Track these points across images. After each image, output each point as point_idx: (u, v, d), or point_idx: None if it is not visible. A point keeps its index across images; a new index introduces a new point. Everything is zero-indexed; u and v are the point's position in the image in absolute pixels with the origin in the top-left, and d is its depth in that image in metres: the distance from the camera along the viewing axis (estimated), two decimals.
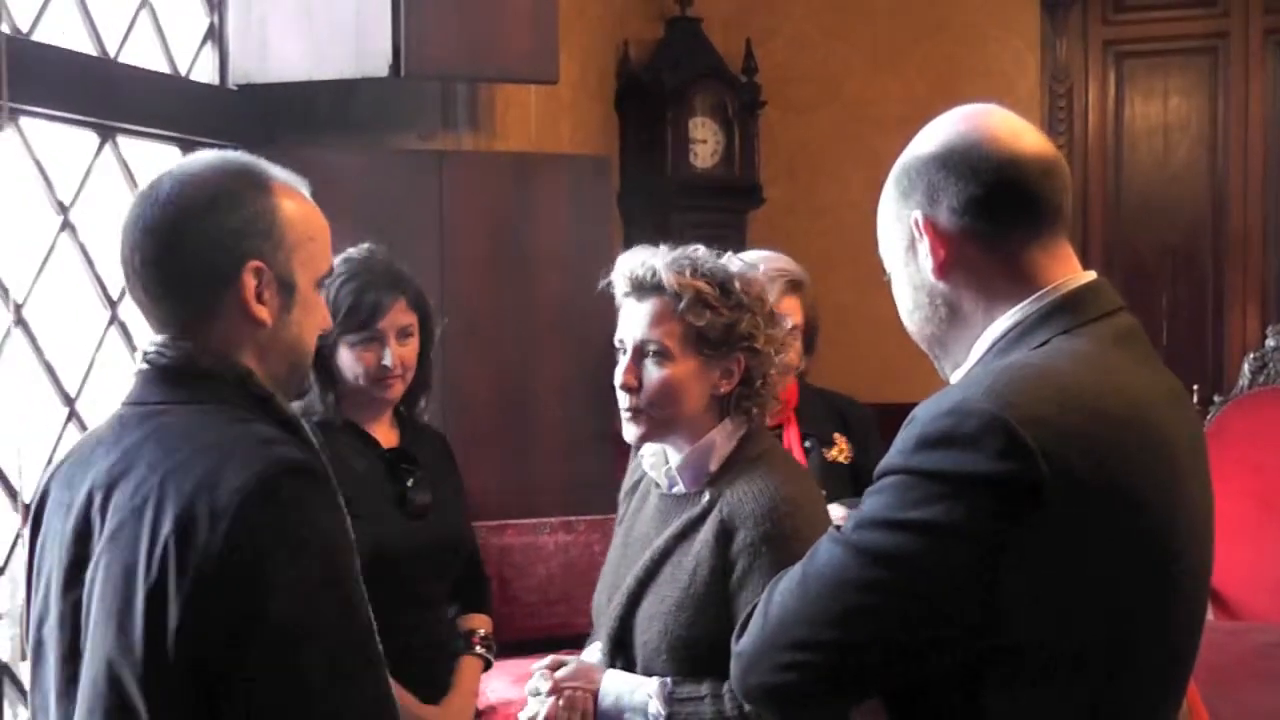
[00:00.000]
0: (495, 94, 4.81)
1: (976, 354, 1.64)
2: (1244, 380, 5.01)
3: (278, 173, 1.82)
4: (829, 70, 6.28)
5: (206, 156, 1.81)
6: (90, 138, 3.49)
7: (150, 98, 3.65)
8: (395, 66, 3.81)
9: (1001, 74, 5.92)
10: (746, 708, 2.09)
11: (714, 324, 2.23)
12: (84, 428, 3.30)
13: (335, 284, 2.73)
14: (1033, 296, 1.61)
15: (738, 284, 2.26)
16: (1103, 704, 1.52)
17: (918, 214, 1.63)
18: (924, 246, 1.64)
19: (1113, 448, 1.48)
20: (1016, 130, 1.65)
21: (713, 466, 2.28)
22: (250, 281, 1.72)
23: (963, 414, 1.47)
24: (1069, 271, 1.64)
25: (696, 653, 2.18)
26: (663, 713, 2.16)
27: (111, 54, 3.57)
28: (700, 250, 2.30)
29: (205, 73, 4.02)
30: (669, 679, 2.19)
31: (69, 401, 3.31)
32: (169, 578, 1.54)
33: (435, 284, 2.97)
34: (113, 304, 3.49)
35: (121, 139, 3.58)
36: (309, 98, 4.19)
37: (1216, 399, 5.00)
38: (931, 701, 1.56)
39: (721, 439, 2.28)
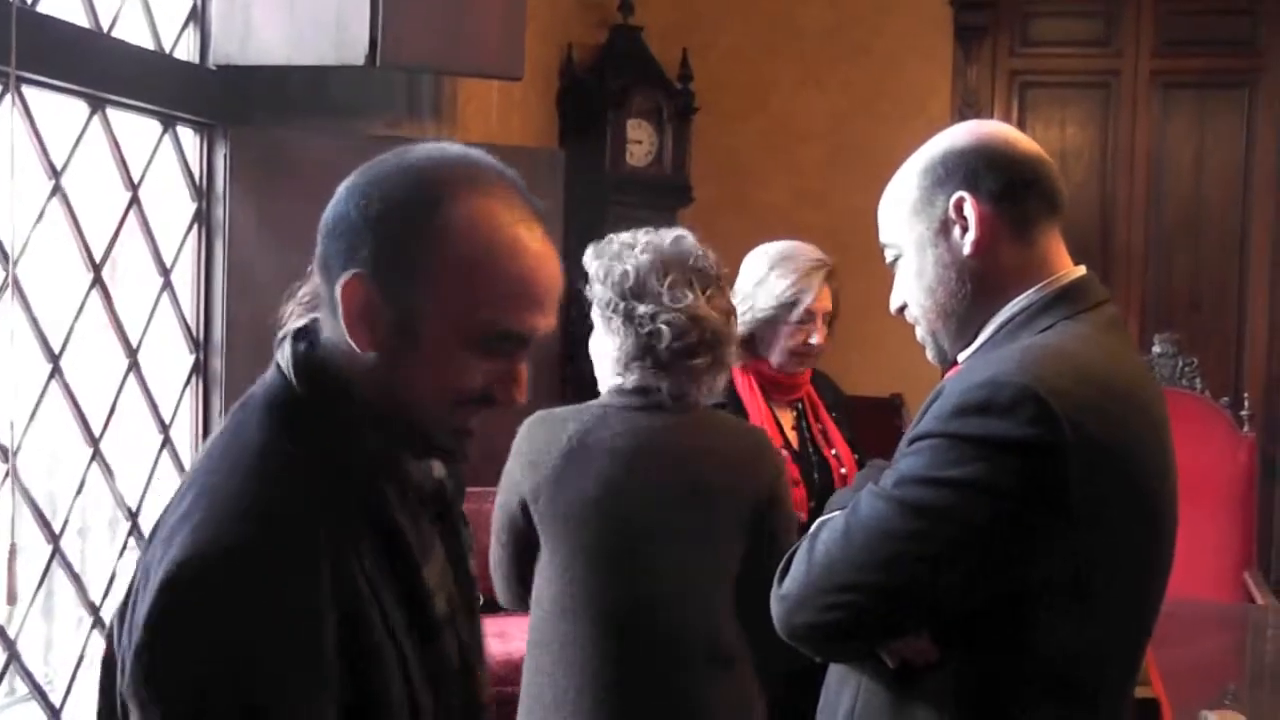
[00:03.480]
0: (457, 86, 4.72)
1: (985, 334, 1.72)
2: None
3: (488, 188, 1.35)
4: (759, 83, 6.27)
5: (434, 145, 1.44)
6: (81, 108, 3.35)
7: (136, 73, 3.52)
8: (372, 56, 3.71)
9: (917, 96, 5.91)
10: None
11: None
12: (65, 384, 3.18)
13: None
14: (1037, 286, 1.70)
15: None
16: (1101, 632, 1.62)
17: (962, 194, 1.69)
18: (962, 225, 1.70)
19: (1118, 418, 1.59)
20: (1030, 141, 1.78)
21: None
22: (347, 293, 1.31)
23: (997, 385, 1.55)
24: (1066, 264, 1.75)
25: None
26: None
27: (105, 29, 3.43)
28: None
29: (187, 52, 3.88)
30: None
31: (54, 358, 3.17)
32: (115, 639, 1.32)
33: None
34: (97, 267, 3.36)
35: (110, 111, 3.44)
36: (283, 81, 4.06)
37: None
38: (976, 634, 1.62)
39: None
